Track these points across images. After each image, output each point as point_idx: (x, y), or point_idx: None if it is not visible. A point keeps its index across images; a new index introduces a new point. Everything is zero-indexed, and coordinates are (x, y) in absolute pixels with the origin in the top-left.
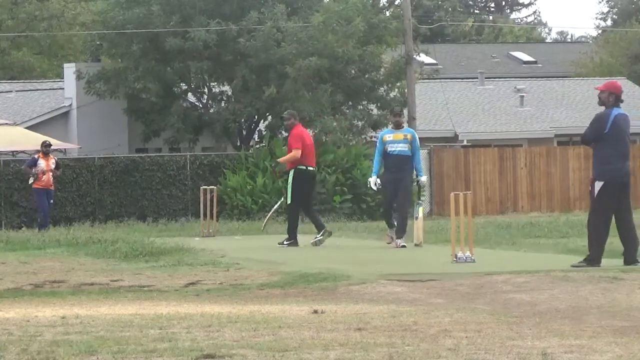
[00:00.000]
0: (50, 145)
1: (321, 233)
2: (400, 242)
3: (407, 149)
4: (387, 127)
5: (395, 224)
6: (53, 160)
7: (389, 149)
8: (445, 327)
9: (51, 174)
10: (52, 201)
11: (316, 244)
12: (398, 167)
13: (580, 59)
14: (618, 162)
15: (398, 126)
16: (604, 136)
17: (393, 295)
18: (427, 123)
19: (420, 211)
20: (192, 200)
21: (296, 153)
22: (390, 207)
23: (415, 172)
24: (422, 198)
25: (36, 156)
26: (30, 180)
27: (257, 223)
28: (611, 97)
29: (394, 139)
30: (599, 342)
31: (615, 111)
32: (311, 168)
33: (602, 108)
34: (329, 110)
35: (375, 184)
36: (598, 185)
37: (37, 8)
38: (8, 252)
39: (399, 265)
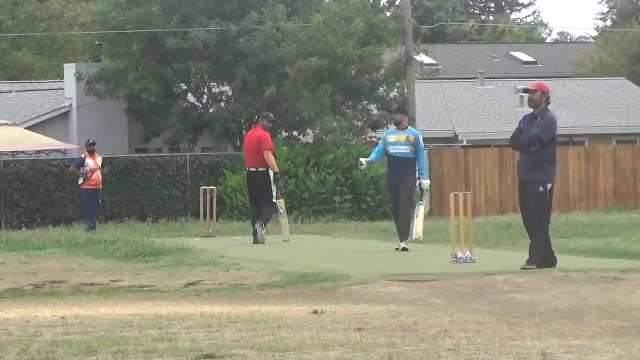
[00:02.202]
0: (94, 143)
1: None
2: (402, 244)
3: (409, 151)
4: (387, 127)
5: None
6: (99, 158)
7: (390, 151)
8: (445, 327)
9: (99, 172)
10: (100, 200)
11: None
12: (399, 170)
13: (580, 59)
14: (557, 164)
15: (397, 125)
16: (554, 138)
17: (393, 295)
18: (427, 123)
19: (421, 210)
20: (191, 201)
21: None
22: (397, 213)
23: (418, 175)
24: (423, 199)
25: (83, 155)
26: (80, 181)
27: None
28: (544, 97)
29: (396, 141)
30: (598, 342)
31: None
32: (252, 169)
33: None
34: (329, 110)
35: (365, 162)
36: (549, 187)
37: (37, 8)
38: (8, 252)
39: (399, 265)
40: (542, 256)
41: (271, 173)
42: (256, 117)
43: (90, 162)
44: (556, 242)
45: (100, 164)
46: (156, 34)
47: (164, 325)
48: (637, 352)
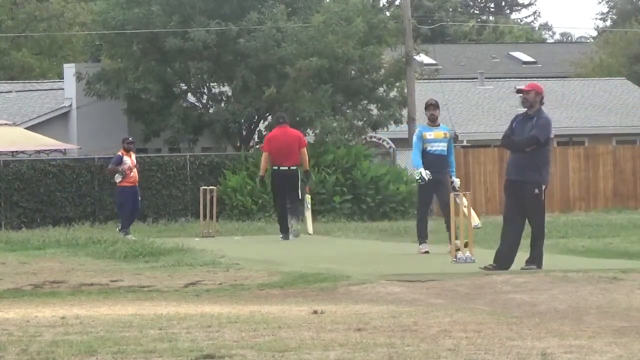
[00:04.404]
0: (133, 141)
1: (282, 236)
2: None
3: (446, 148)
4: (387, 127)
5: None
6: (134, 157)
7: (429, 148)
8: (445, 327)
9: (136, 170)
10: (140, 198)
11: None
12: (439, 167)
13: (580, 59)
14: (551, 165)
15: (434, 121)
16: (549, 140)
17: (393, 295)
18: None
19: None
20: (192, 201)
21: (263, 155)
22: (427, 213)
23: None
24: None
25: (120, 153)
26: (118, 179)
27: (257, 223)
28: (538, 98)
29: (435, 138)
30: (598, 343)
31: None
32: (283, 167)
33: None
34: (329, 111)
35: (427, 175)
36: (543, 188)
37: (37, 8)
38: (8, 252)
39: (399, 265)
40: (542, 256)
41: (301, 171)
42: (277, 120)
43: (128, 160)
44: (556, 242)
45: (135, 161)
46: (156, 34)
47: (164, 325)
48: (637, 352)
